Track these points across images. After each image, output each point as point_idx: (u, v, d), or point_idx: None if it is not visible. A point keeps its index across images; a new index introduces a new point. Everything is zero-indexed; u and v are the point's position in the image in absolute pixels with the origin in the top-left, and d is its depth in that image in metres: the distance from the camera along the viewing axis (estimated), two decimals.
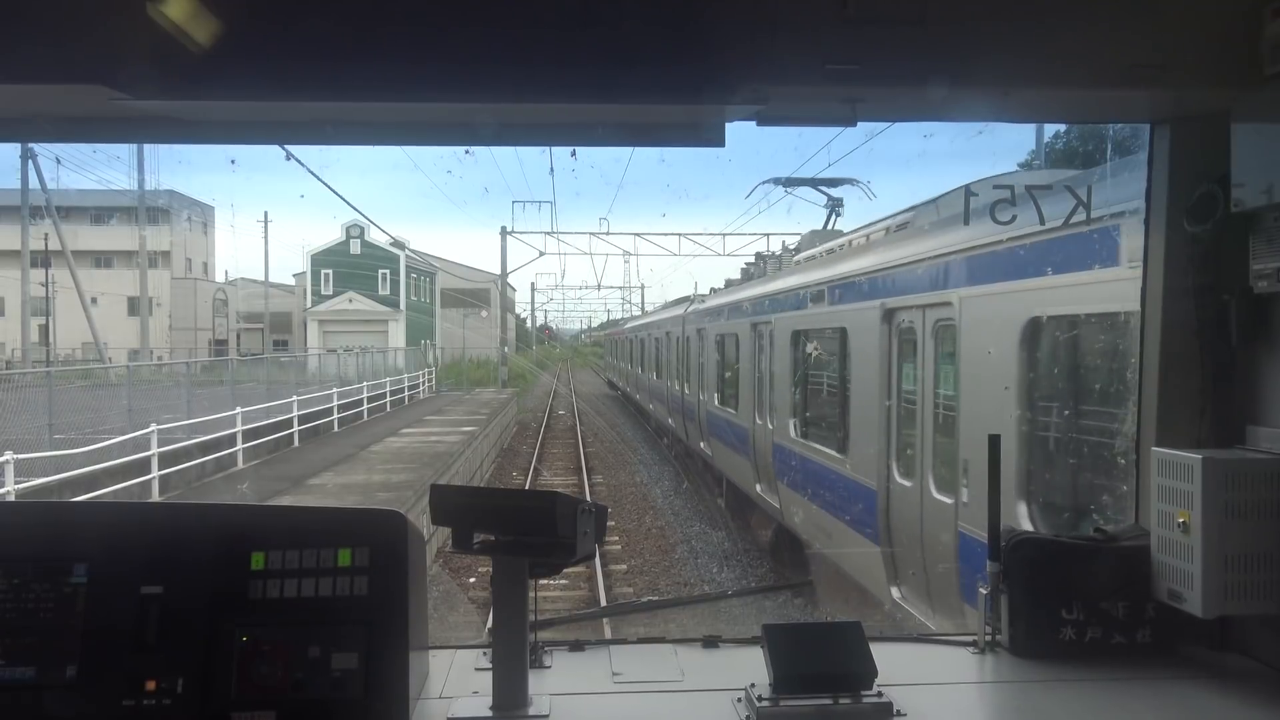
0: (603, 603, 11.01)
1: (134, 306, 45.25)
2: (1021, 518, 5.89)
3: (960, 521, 6.46)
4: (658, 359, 25.16)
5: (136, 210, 40.07)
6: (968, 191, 6.19)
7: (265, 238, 74.57)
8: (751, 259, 16.95)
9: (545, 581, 2.12)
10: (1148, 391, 2.42)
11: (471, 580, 11.55)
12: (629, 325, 40.45)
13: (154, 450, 13.89)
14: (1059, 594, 2.29)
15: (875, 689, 1.96)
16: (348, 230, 54.15)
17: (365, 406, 26.35)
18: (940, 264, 6.80)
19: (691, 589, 11.89)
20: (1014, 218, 5.15)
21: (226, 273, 63.09)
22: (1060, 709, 2.05)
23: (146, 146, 35.10)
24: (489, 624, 2.16)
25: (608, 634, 3.32)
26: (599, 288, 71.01)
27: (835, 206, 13.69)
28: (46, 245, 36.89)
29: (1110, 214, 4.78)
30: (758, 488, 12.81)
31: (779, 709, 1.92)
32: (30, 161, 32.12)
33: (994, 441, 2.42)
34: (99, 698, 1.80)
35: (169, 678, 1.82)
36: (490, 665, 2.04)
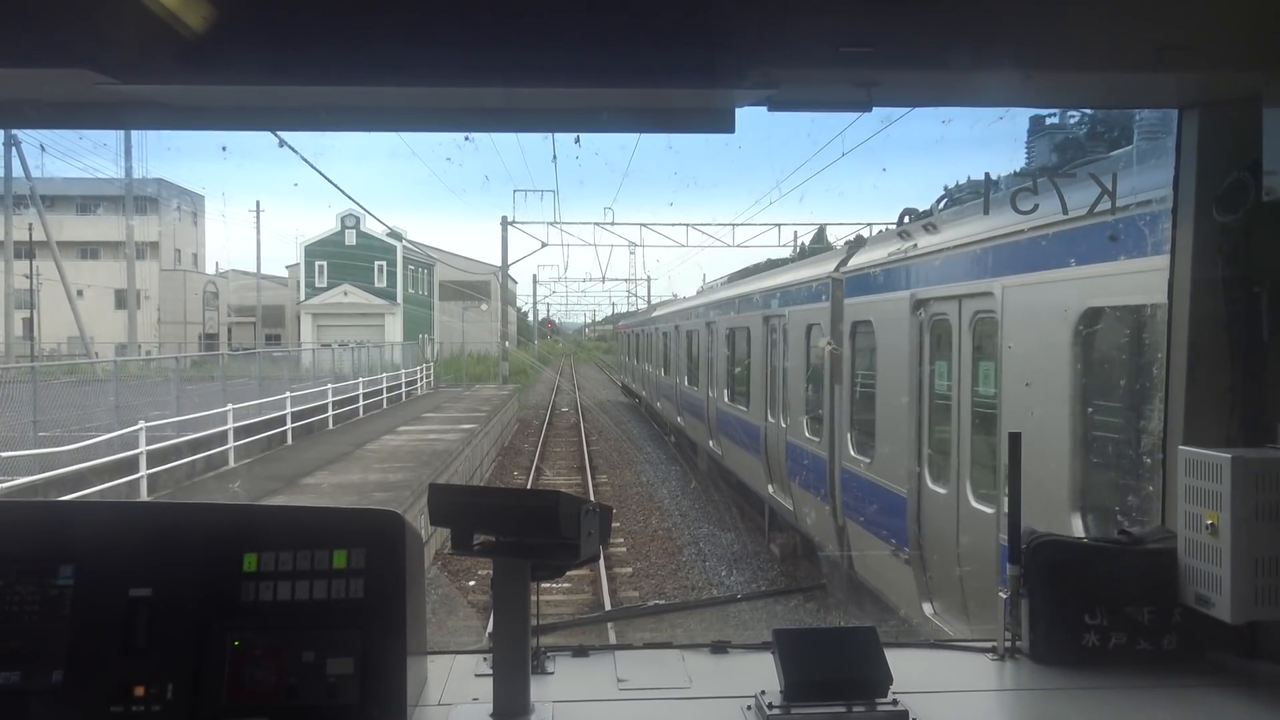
0: (607, 607, 10.85)
1: (121, 299, 44.99)
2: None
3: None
4: (751, 371, 13.73)
5: (124, 199, 39.60)
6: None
7: (257, 228, 74.52)
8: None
9: (548, 585, 2.25)
10: (1175, 388, 2.37)
11: (471, 583, 11.39)
12: (664, 312, 28.22)
13: (142, 448, 13.68)
14: (1082, 598, 2.24)
15: (890, 696, 1.92)
16: (343, 220, 53.77)
17: (361, 403, 26.16)
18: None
19: (699, 593, 11.72)
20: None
21: (217, 264, 62.95)
22: (1083, 718, 2.00)
23: (134, 133, 34.79)
24: (489, 628, 2.13)
25: (612, 639, 3.07)
26: (603, 280, 70.74)
27: None
28: (30, 235, 36.54)
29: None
30: None
31: (790, 717, 1.89)
32: (13, 148, 31.70)
33: (1014, 440, 2.35)
34: (86, 703, 1.78)
35: (158, 683, 1.79)
36: (490, 671, 1.99)
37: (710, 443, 17.12)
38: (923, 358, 7.54)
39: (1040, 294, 5.70)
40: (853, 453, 9.05)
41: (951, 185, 8.13)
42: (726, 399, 15.57)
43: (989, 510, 6.18)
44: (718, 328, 16.62)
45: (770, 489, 12.53)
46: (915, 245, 7.78)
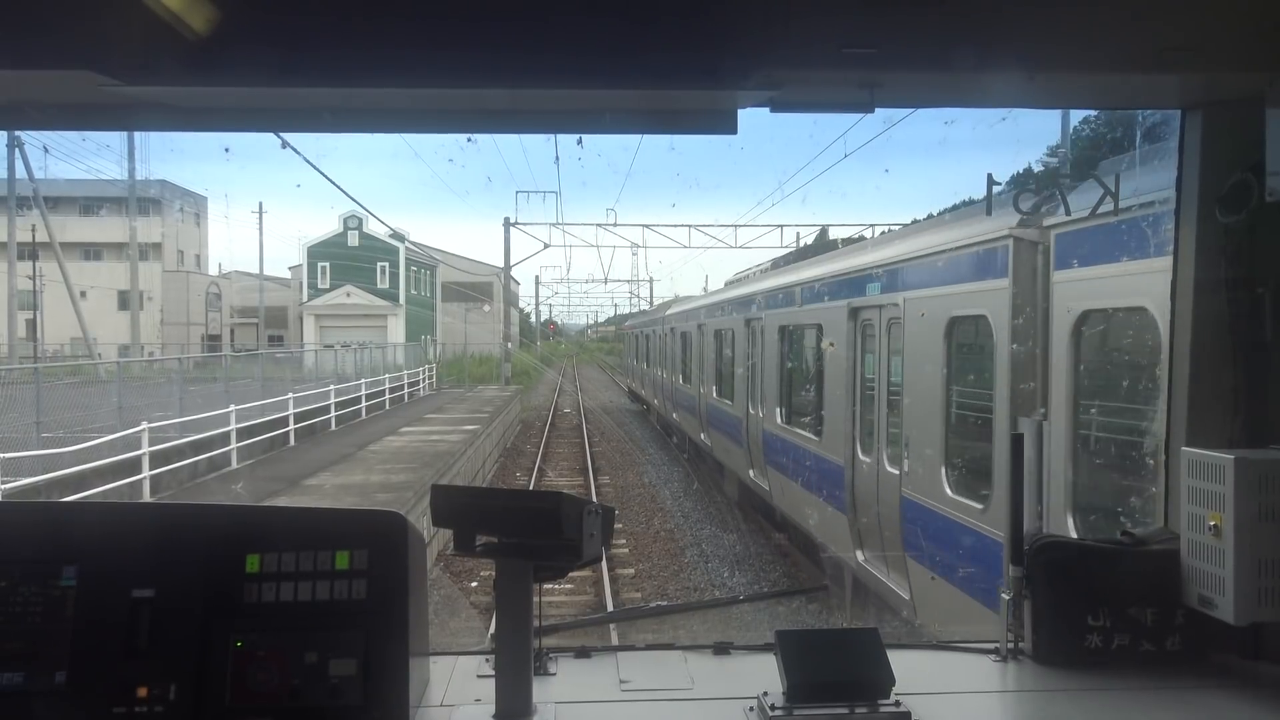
0: (610, 608, 10.82)
1: (124, 300, 45.05)
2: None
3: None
4: (825, 387, 9.99)
5: (127, 201, 39.66)
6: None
7: (260, 229, 74.63)
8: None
9: (550, 586, 2.09)
10: (1178, 389, 2.36)
11: (474, 584, 11.38)
12: (683, 309, 22.53)
13: (145, 449, 13.69)
14: (1084, 599, 2.23)
15: (893, 698, 1.92)
16: (345, 221, 53.77)
17: (364, 404, 26.18)
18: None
19: (702, 594, 11.69)
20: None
21: (220, 265, 62.88)
22: (1085, 719, 2.00)
23: (138, 134, 34.82)
24: (492, 629, 2.13)
25: (615, 640, 3.07)
26: (605, 281, 70.38)
27: None
28: (34, 237, 36.55)
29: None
30: None
31: (793, 718, 1.89)
32: (17, 150, 31.78)
33: (1016, 441, 2.35)
34: (89, 704, 1.78)
35: (161, 684, 1.79)
36: (493, 672, 1.99)
37: (751, 472, 13.51)
38: None
39: None
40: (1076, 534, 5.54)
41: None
42: (780, 420, 11.84)
43: None
44: (764, 326, 12.80)
45: (861, 555, 8.92)
46: None
